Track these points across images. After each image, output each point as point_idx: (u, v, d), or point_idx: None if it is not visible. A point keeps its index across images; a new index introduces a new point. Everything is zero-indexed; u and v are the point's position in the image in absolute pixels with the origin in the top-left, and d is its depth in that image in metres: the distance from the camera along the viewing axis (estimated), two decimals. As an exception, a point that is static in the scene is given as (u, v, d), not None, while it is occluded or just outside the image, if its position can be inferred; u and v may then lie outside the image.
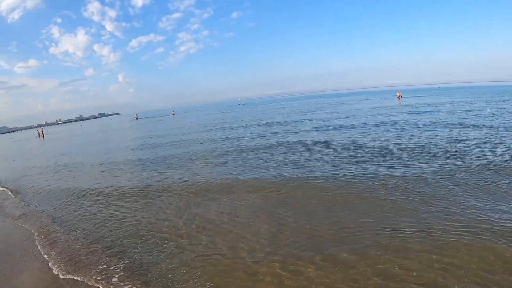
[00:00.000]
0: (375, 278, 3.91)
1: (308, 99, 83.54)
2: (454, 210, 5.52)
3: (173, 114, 73.13)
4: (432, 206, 5.78)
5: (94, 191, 9.54)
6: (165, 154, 14.58)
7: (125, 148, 19.49)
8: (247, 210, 6.60)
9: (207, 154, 13.47)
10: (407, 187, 6.88)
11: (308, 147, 12.16)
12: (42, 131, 57.02)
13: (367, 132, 14.55)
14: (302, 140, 13.72)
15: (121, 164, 13.61)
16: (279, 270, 4.29)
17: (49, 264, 5.39)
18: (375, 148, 10.96)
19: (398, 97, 42.34)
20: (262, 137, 16.44)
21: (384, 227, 5.14)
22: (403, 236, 4.79)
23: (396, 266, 4.08)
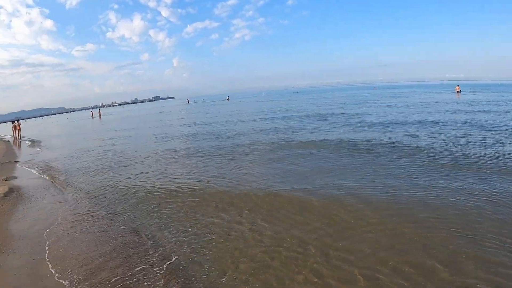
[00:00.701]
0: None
1: (362, 90, 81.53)
2: None
3: (227, 99, 77.00)
4: None
5: (141, 181, 8.74)
6: (218, 144, 13.55)
7: (180, 135, 18.80)
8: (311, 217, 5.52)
9: (267, 146, 12.17)
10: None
11: (363, 147, 10.63)
12: (99, 112, 63.42)
13: (429, 132, 12.70)
14: (355, 139, 12.12)
15: (175, 153, 12.66)
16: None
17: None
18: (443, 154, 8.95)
19: (457, 91, 41.48)
20: (317, 131, 15.07)
21: None
22: None
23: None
